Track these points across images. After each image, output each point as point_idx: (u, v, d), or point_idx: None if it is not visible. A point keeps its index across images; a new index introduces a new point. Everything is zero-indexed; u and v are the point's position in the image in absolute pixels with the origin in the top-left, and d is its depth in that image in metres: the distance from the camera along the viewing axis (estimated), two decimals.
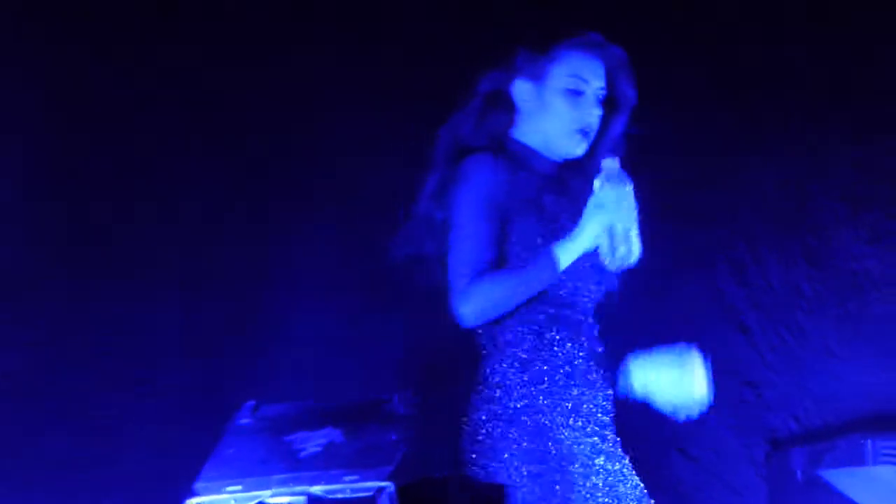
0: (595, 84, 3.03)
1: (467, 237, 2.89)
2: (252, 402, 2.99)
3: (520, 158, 3.04)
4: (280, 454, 2.81)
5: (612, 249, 2.83)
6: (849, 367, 4.73)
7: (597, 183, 2.87)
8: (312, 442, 2.79)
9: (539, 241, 2.95)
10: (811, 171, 4.85)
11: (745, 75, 4.79)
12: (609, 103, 3.07)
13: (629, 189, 2.86)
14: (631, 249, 2.84)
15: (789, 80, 4.78)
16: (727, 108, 4.80)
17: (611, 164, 2.86)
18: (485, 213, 2.92)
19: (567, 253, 2.87)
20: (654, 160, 3.46)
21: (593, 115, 3.02)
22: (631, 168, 2.89)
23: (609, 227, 2.83)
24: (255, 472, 2.77)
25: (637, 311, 3.43)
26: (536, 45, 3.07)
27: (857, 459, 4.49)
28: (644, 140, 3.10)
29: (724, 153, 4.78)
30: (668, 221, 4.26)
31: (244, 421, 2.95)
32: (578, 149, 3.02)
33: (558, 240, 2.91)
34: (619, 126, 3.09)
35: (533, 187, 2.98)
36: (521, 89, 3.06)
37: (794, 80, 4.78)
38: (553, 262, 2.86)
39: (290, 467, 2.75)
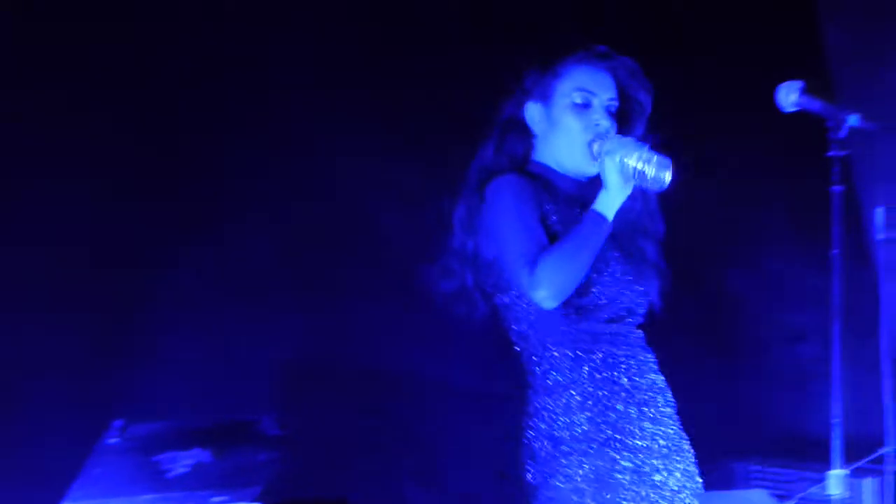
0: (603, 95, 2.96)
1: (515, 230, 2.82)
2: (120, 422, 2.94)
3: (543, 180, 2.98)
4: (148, 474, 2.77)
5: (641, 174, 2.76)
6: None
7: (595, 147, 2.86)
8: (181, 462, 2.76)
9: None
10: None
11: None
12: (623, 114, 3.00)
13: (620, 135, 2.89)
14: (658, 167, 2.77)
15: None
16: None
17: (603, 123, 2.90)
18: (524, 204, 2.86)
19: (606, 206, 2.82)
20: None
21: (602, 125, 2.94)
22: None
23: (623, 163, 2.78)
24: (123, 493, 2.73)
25: None
26: (542, 64, 3.01)
27: (728, 482, 4.56)
28: None
29: None
30: None
31: (112, 440, 2.90)
32: (595, 163, 2.91)
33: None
34: (635, 135, 3.01)
35: (556, 206, 2.93)
36: (532, 111, 2.99)
37: None
38: (599, 216, 2.81)
39: (158, 488, 2.72)
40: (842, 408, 2.70)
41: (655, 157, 2.75)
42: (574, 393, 2.85)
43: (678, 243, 3.00)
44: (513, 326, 2.94)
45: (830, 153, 2.73)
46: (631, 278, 2.92)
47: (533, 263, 2.74)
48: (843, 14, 4.99)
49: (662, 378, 2.93)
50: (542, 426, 2.86)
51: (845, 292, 2.81)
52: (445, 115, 4.17)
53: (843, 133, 2.75)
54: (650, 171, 2.75)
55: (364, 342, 4.30)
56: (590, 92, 2.95)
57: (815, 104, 2.84)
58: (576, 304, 2.85)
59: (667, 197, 2.88)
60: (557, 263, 2.75)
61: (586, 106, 2.94)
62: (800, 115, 2.88)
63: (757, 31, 4.73)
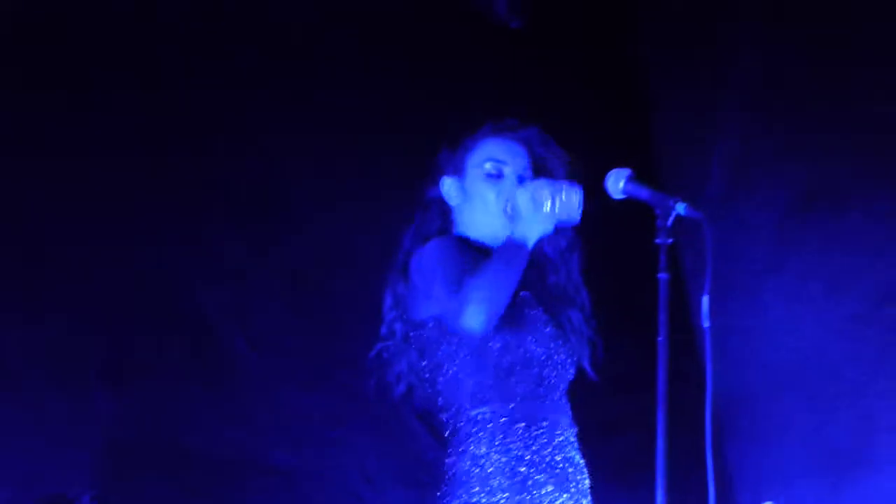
0: (515, 163, 3.00)
1: (441, 266, 2.84)
2: None
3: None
4: None
5: (552, 202, 2.82)
6: None
7: (508, 207, 2.91)
8: None
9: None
10: None
11: None
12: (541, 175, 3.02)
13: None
14: (568, 193, 2.83)
15: None
16: None
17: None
18: (448, 250, 2.90)
19: (521, 233, 2.84)
20: None
21: (515, 193, 2.95)
22: None
23: (533, 193, 2.83)
24: None
25: None
26: (454, 141, 3.07)
27: None
28: None
29: None
30: None
31: None
32: (508, 230, 2.91)
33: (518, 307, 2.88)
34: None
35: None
36: (447, 186, 3.03)
37: None
38: (516, 241, 2.82)
39: None
40: (664, 499, 2.68)
41: (564, 186, 2.84)
42: (492, 462, 2.84)
43: None
44: (439, 399, 2.92)
45: (658, 240, 2.74)
46: (561, 344, 2.96)
47: (459, 285, 2.75)
48: (672, 100, 5.10)
49: (581, 456, 2.96)
50: (460, 492, 2.84)
51: (671, 379, 2.80)
52: None
53: (670, 221, 2.76)
54: (560, 198, 2.82)
55: (186, 421, 4.17)
56: (500, 161, 2.99)
57: (643, 192, 2.85)
58: (506, 363, 2.86)
59: None
60: (483, 283, 2.74)
61: (499, 176, 2.98)
62: (628, 203, 2.90)
63: (585, 116, 4.79)
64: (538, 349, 2.92)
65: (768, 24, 4.85)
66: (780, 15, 4.83)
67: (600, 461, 2.89)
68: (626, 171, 2.88)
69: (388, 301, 3.02)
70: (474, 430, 2.88)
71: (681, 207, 2.76)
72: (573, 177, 3.01)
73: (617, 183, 2.87)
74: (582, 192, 2.85)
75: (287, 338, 4.31)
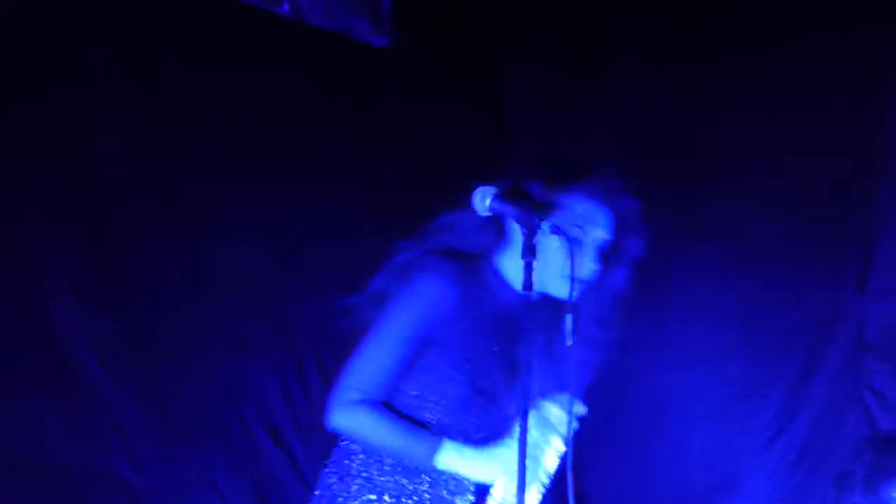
0: (597, 234, 2.92)
1: (384, 351, 2.80)
2: None
3: (487, 283, 2.94)
4: None
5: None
6: None
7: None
8: None
9: (456, 372, 2.86)
10: None
11: None
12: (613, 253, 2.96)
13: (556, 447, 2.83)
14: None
15: None
16: None
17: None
18: (414, 328, 2.82)
19: (452, 462, 2.79)
20: None
21: (587, 267, 2.89)
22: None
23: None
24: None
25: None
26: (550, 179, 2.95)
27: None
28: None
29: None
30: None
31: None
32: (563, 293, 2.81)
33: (480, 373, 2.86)
34: (617, 282, 2.98)
35: (489, 312, 2.89)
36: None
37: None
38: (433, 455, 2.77)
39: None
40: None
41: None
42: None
43: None
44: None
45: (523, 257, 2.75)
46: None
47: (362, 400, 2.75)
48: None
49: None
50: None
51: None
52: None
53: (535, 239, 2.78)
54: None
55: (31, 435, 4.05)
56: (585, 228, 2.91)
57: (509, 209, 2.87)
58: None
59: None
60: (370, 433, 2.77)
61: (578, 241, 2.88)
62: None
63: (452, 137, 4.82)
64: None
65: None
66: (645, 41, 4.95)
67: None
68: (492, 189, 2.90)
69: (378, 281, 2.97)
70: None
71: (546, 225, 2.79)
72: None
73: (483, 200, 2.89)
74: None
75: (136, 355, 4.23)
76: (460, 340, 2.86)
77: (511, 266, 2.96)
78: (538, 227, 2.78)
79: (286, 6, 4.51)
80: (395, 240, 3.02)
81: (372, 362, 2.82)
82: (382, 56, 4.75)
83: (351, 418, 2.78)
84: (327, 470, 2.94)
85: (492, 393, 2.91)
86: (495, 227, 3.02)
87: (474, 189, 2.91)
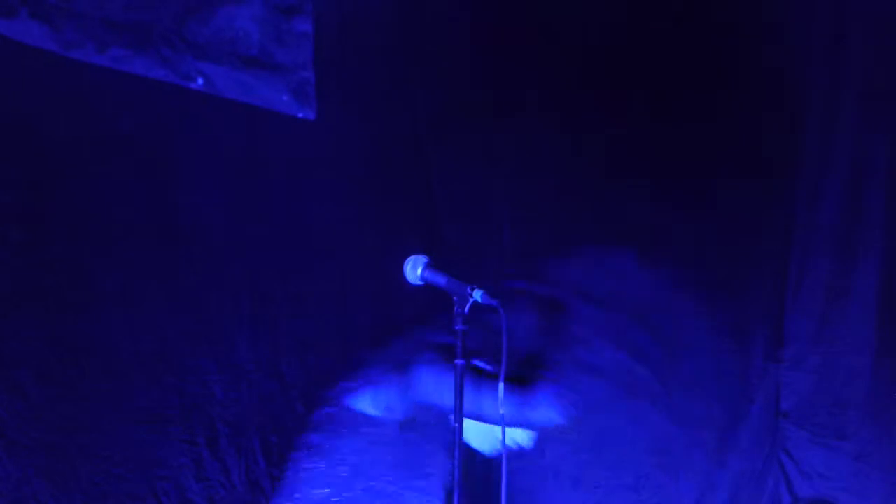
0: None
1: None
2: None
3: None
4: None
5: None
6: None
7: None
8: None
9: None
10: None
11: None
12: None
13: None
14: None
15: None
16: None
17: None
18: None
19: None
20: None
21: None
22: None
23: None
24: None
25: None
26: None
27: None
28: None
29: None
30: None
31: None
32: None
33: None
34: None
35: None
36: None
37: None
38: None
39: None
40: None
41: None
42: None
43: None
44: None
45: (456, 327, 2.77)
46: None
47: None
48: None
49: None
50: None
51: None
52: None
53: (467, 308, 2.79)
54: None
55: None
56: None
57: (441, 279, 2.88)
58: None
59: None
60: None
61: None
62: (427, 288, 2.92)
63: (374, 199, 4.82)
64: None
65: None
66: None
67: None
68: (423, 259, 2.91)
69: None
70: None
71: (478, 294, 2.80)
72: None
73: (415, 270, 2.90)
74: None
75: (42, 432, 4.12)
76: None
77: None
78: (470, 296, 2.79)
79: (200, 80, 4.48)
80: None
81: None
82: (306, 128, 4.73)
83: None
84: None
85: None
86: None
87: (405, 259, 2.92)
